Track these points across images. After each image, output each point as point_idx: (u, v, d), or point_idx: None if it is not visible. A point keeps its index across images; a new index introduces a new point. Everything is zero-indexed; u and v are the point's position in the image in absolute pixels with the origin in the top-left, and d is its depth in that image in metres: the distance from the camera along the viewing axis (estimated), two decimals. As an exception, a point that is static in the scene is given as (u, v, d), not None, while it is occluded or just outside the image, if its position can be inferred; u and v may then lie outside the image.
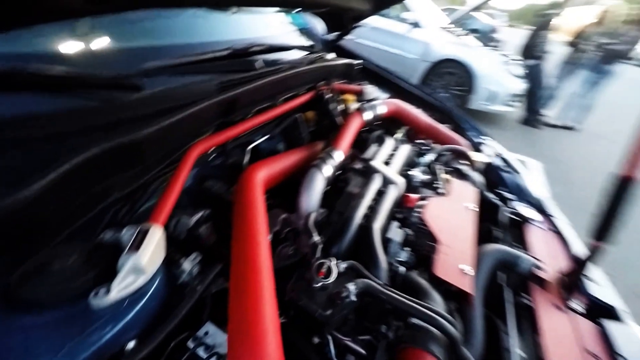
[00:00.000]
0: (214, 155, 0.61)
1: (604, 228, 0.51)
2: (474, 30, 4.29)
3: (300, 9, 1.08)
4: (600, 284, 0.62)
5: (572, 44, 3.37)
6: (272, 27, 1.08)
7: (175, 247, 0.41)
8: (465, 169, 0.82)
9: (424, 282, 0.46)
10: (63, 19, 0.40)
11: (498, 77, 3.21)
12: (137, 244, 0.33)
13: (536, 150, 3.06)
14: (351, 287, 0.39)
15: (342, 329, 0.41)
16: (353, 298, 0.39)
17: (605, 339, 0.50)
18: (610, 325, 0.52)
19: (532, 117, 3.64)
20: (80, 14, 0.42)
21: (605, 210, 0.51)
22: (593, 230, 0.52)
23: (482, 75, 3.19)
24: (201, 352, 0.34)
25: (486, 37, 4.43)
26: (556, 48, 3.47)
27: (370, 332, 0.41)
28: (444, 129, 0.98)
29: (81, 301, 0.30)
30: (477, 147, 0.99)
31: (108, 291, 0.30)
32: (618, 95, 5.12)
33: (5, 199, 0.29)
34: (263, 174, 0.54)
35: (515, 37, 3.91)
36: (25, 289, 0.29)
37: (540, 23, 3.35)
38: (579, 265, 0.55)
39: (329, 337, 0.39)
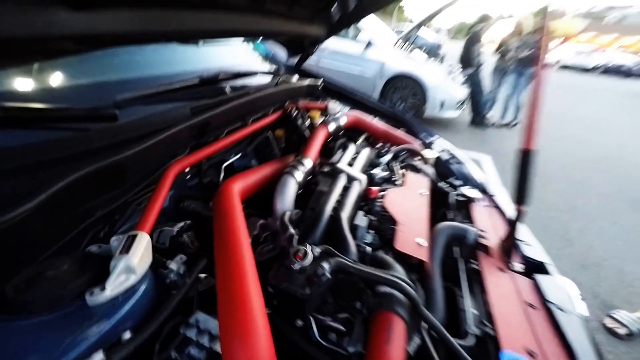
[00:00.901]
0: (189, 175, 0.66)
1: (520, 193, 0.64)
2: (422, 47, 4.86)
3: (261, 37, 1.20)
4: (531, 245, 0.75)
5: (498, 53, 3.97)
6: (238, 56, 1.19)
7: (161, 254, 0.45)
8: (418, 164, 0.95)
9: (388, 258, 0.54)
10: (54, 59, 0.45)
11: (445, 87, 3.64)
12: (127, 247, 0.37)
13: (485, 147, 3.46)
14: (326, 265, 0.46)
15: (322, 310, 0.47)
16: (328, 275, 0.46)
17: (538, 291, 0.61)
18: (541, 278, 0.64)
19: (478, 119, 4.14)
20: (70, 53, 0.47)
21: (518, 179, 0.64)
22: (514, 197, 0.65)
23: (432, 86, 3.60)
24: (193, 335, 0.37)
25: (433, 52, 5.03)
26: (489, 57, 4.07)
27: (347, 310, 0.48)
28: (398, 132, 1.12)
29: (77, 302, 0.33)
30: (427, 145, 1.14)
31: (103, 289, 0.34)
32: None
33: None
34: (239, 186, 0.60)
35: (457, 50, 4.50)
36: (21, 295, 0.31)
37: (471, 36, 3.93)
38: (512, 229, 0.67)
39: (311, 318, 0.45)
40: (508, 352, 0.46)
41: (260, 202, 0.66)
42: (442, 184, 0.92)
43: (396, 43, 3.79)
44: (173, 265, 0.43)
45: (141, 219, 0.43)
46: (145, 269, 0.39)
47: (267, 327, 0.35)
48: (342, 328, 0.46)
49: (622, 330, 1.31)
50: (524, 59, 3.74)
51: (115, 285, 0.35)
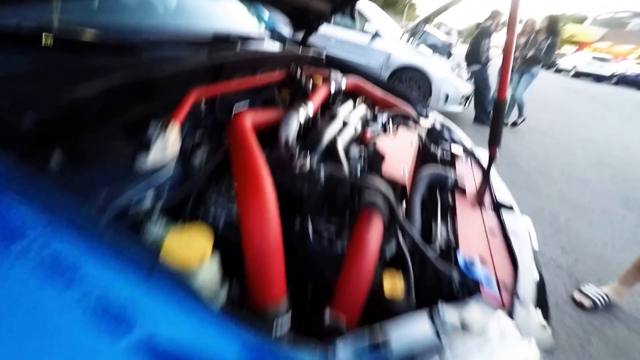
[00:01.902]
0: (205, 108, 0.77)
1: (494, 137, 0.76)
2: (431, 45, 4.97)
3: (266, 3, 1.31)
4: (501, 190, 0.87)
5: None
6: (247, 25, 1.30)
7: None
8: (412, 125, 1.07)
9: (374, 177, 0.65)
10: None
11: (450, 81, 3.75)
12: (163, 130, 0.49)
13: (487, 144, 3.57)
14: (321, 171, 0.57)
15: (318, 215, 0.58)
16: (323, 179, 0.57)
17: (501, 224, 0.73)
18: (505, 214, 0.76)
19: (481, 116, 4.24)
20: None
21: (493, 125, 0.76)
22: (489, 141, 0.77)
23: (437, 79, 3.72)
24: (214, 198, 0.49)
25: (442, 51, 5.14)
26: (496, 55, 4.19)
27: (339, 215, 0.59)
28: (396, 100, 1.23)
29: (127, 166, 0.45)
30: (422, 116, 1.25)
31: (145, 159, 0.45)
32: (538, 94, 6.25)
33: (69, 94, 0.44)
34: (249, 119, 0.71)
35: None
36: (85, 157, 0.43)
37: (480, 31, 4.03)
38: (486, 172, 0.79)
39: (309, 218, 0.56)
40: (464, 254, 0.58)
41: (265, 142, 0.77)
42: (429, 142, 1.03)
43: (403, 36, 3.91)
44: (198, 155, 0.55)
45: (174, 113, 0.55)
46: (177, 149, 0.50)
47: (278, 222, 0.44)
48: (333, 228, 0.57)
49: (587, 302, 1.44)
50: (531, 59, 3.86)
51: (153, 158, 0.46)
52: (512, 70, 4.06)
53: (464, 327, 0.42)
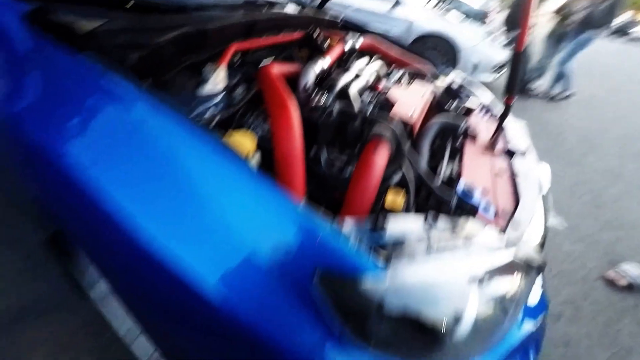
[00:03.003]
0: (239, 61, 0.88)
1: (509, 87, 0.79)
2: (466, 13, 4.68)
3: None
4: (518, 136, 0.89)
5: (558, 16, 3.71)
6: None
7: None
8: (427, 81, 1.10)
9: (384, 114, 0.72)
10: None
11: (481, 49, 3.55)
12: (214, 70, 0.63)
13: (523, 117, 3.37)
14: (335, 105, 0.68)
15: (332, 147, 0.68)
16: (336, 111, 0.67)
17: (510, 167, 0.77)
18: (517, 159, 0.79)
19: (519, 86, 3.98)
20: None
21: (510, 75, 0.79)
22: (505, 90, 0.80)
23: (465, 47, 3.54)
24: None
25: (477, 18, 4.82)
26: (541, 20, 3.86)
27: (350, 148, 0.68)
28: (414, 59, 1.26)
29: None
30: (440, 75, 1.27)
31: (204, 87, 0.60)
32: (588, 63, 5.63)
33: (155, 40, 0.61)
34: (276, 68, 0.81)
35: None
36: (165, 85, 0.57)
37: None
38: (501, 119, 0.82)
39: (323, 147, 0.65)
40: (464, 184, 0.64)
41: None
42: (445, 96, 1.06)
43: (429, 3, 3.72)
44: (239, 90, 0.73)
45: (220, 59, 0.71)
46: (223, 84, 0.66)
47: (301, 138, 0.59)
48: (344, 157, 0.67)
49: (622, 282, 1.37)
50: (584, 22, 3.49)
51: (209, 88, 0.62)
52: (562, 38, 3.73)
53: (453, 231, 0.50)
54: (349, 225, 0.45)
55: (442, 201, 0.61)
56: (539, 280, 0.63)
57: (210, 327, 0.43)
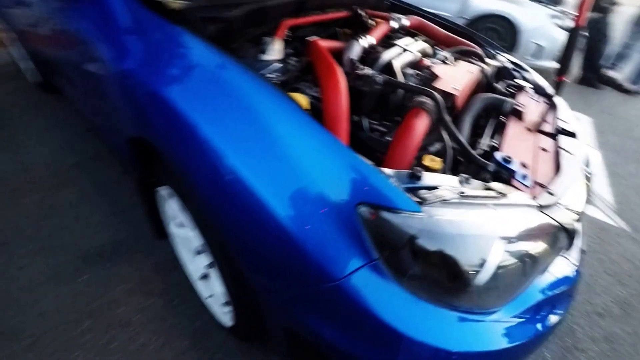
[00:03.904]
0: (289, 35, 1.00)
1: (563, 66, 0.79)
2: None
3: None
4: (567, 118, 0.88)
5: None
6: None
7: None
8: (475, 61, 1.10)
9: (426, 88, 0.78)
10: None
11: (546, 31, 3.23)
12: (272, 42, 0.80)
13: (593, 110, 3.04)
14: (379, 75, 0.75)
15: (373, 117, 0.77)
16: (380, 81, 0.75)
17: (556, 145, 0.77)
18: (563, 138, 0.79)
19: (590, 76, 3.56)
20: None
21: (565, 52, 0.79)
22: (558, 70, 0.80)
23: (528, 29, 3.25)
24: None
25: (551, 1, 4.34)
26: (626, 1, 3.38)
27: (391, 120, 0.76)
28: (465, 39, 1.25)
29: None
30: (492, 57, 1.25)
31: (264, 56, 0.78)
32: None
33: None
34: (322, 42, 0.91)
35: None
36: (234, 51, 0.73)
37: None
38: (550, 100, 0.83)
39: (365, 114, 0.75)
40: (499, 154, 0.67)
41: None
42: (495, 80, 1.06)
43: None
44: (292, 62, 0.85)
45: (275, 34, 0.85)
46: (279, 55, 0.81)
47: (347, 101, 0.69)
48: (383, 129, 0.75)
49: None
50: None
51: (268, 56, 0.79)
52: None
53: (487, 189, 0.56)
54: (388, 171, 0.54)
55: (480, 167, 0.65)
56: (573, 252, 0.66)
57: (269, 240, 0.55)
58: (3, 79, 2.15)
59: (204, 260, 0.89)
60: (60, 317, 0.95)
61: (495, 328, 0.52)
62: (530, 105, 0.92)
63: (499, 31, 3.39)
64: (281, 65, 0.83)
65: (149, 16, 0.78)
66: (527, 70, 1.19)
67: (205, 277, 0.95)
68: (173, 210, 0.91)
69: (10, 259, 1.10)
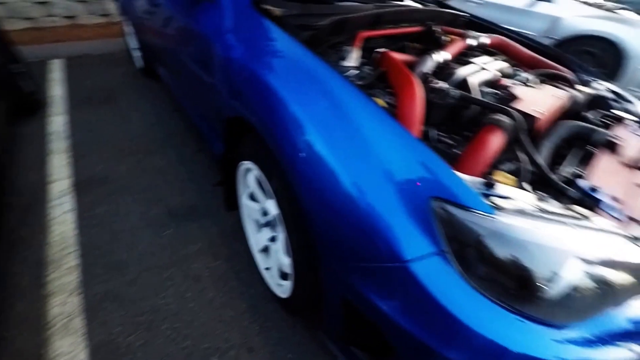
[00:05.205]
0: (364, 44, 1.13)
1: None
2: None
3: None
4: None
5: None
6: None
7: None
8: (565, 87, 1.06)
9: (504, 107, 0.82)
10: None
11: (662, 58, 2.88)
12: (352, 50, 0.93)
13: None
14: (454, 90, 0.83)
15: (440, 128, 0.85)
16: (454, 95, 0.82)
17: None
18: None
19: None
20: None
21: None
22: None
23: (637, 54, 2.93)
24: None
25: None
26: None
27: (459, 134, 0.82)
28: (551, 63, 1.24)
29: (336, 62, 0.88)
30: (585, 83, 1.17)
31: (344, 62, 0.89)
32: None
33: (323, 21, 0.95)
34: (397, 56, 1.02)
35: None
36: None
37: None
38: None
39: (433, 129, 0.83)
40: (585, 182, 0.67)
41: None
42: (589, 109, 1.01)
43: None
44: (366, 70, 0.96)
45: (353, 43, 0.99)
46: (356, 62, 0.94)
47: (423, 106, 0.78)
48: (451, 142, 0.82)
49: None
50: None
51: (347, 63, 0.91)
52: None
53: (565, 207, 0.60)
54: (462, 175, 0.62)
55: (559, 192, 0.66)
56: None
57: (347, 213, 0.65)
58: (119, 63, 2.72)
59: (267, 234, 1.05)
60: (153, 261, 1.20)
61: (557, 340, 0.54)
62: (631, 140, 0.89)
63: (596, 55, 3.11)
64: (358, 72, 0.95)
65: (258, 19, 1.00)
66: (630, 102, 1.14)
67: (265, 250, 1.11)
68: (250, 183, 1.08)
69: (118, 206, 1.42)
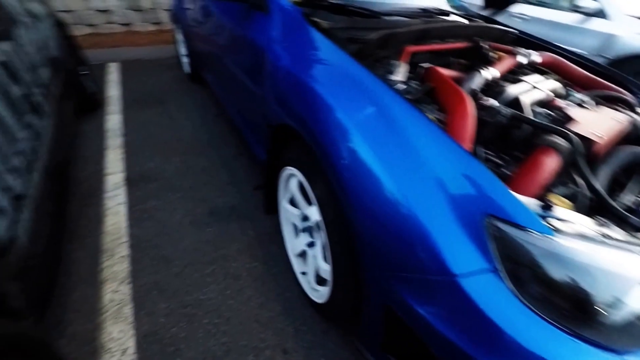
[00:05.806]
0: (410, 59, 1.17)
1: None
2: None
3: None
4: None
5: None
6: (443, 2, 1.65)
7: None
8: (624, 110, 1.03)
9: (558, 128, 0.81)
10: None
11: None
12: (399, 65, 0.98)
13: None
14: (505, 109, 0.84)
15: (490, 147, 0.86)
16: (505, 114, 0.83)
17: None
18: None
19: None
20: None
21: None
22: None
23: None
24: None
25: None
26: None
27: (508, 154, 0.83)
28: (607, 84, 1.20)
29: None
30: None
31: (392, 77, 0.93)
32: None
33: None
34: (444, 72, 1.04)
35: None
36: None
37: None
38: None
39: (480, 147, 0.84)
40: None
41: None
42: None
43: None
44: (413, 84, 0.99)
45: (401, 58, 1.03)
46: (403, 77, 0.97)
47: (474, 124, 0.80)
48: (499, 162, 0.82)
49: None
50: None
51: (394, 77, 0.94)
52: None
53: (629, 234, 0.60)
54: (518, 195, 0.63)
55: (620, 219, 0.65)
56: None
57: (396, 223, 0.68)
58: (169, 68, 2.97)
59: (305, 239, 1.10)
60: (196, 257, 1.29)
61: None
62: None
63: (655, 75, 2.92)
64: (405, 86, 0.97)
65: (308, 30, 1.07)
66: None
67: (302, 254, 1.16)
68: (292, 189, 1.14)
69: (166, 202, 1.55)
